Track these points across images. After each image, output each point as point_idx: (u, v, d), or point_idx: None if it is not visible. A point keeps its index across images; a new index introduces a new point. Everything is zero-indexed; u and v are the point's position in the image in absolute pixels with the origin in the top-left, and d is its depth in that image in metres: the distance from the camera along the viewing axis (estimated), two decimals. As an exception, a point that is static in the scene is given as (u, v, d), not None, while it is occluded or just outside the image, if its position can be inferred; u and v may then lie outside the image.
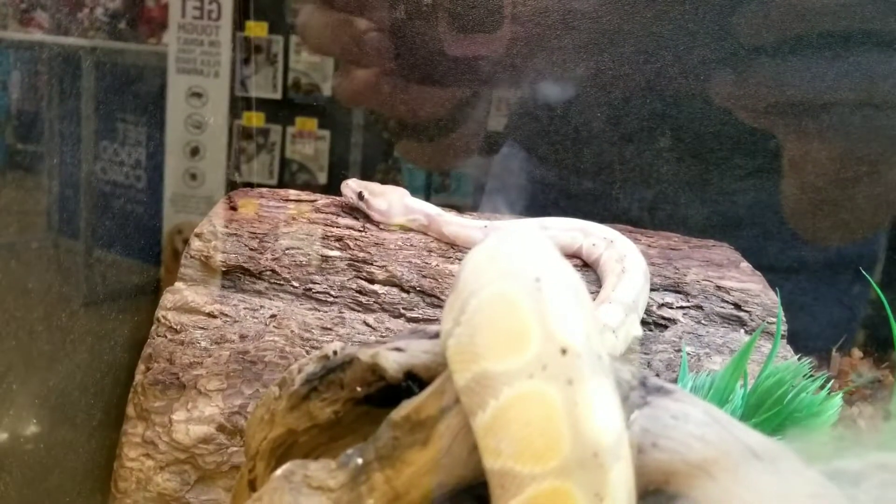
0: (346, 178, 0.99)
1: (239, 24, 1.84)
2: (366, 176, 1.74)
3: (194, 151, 1.82)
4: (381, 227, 0.94)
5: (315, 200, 0.98)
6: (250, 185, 1.67)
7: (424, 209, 0.96)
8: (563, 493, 0.46)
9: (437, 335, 0.62)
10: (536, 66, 1.24)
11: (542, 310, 0.49)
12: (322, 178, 1.98)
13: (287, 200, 0.97)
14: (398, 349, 0.60)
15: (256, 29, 1.89)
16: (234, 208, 0.94)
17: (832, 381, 0.81)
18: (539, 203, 1.32)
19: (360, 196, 0.96)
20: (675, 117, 1.23)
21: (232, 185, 1.70)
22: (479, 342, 0.50)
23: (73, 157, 1.46)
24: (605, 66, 1.21)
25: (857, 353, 1.19)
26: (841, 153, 1.18)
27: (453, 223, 0.94)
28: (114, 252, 1.47)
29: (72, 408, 1.02)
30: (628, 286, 0.84)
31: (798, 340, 0.94)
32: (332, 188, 1.45)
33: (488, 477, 0.49)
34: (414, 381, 0.59)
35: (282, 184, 1.97)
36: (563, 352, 0.48)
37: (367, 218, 0.96)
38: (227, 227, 0.91)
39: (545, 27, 1.19)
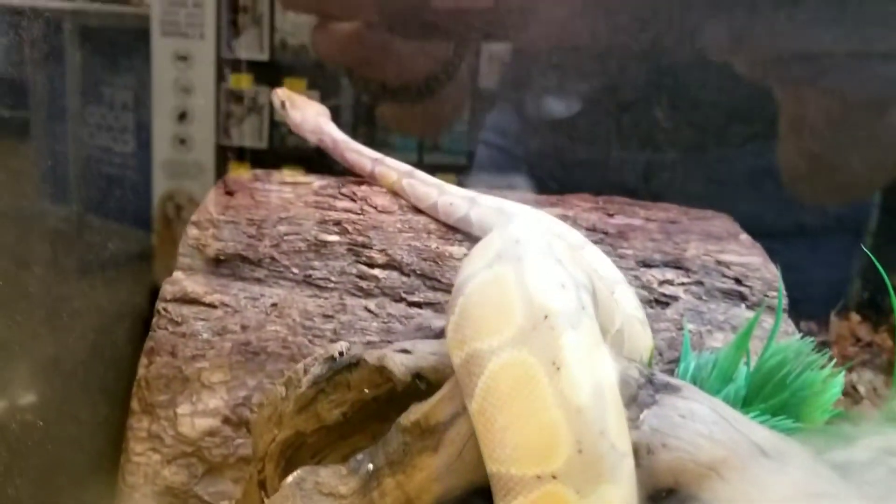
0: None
1: (223, -14, 1.79)
2: (356, 136, 1.72)
3: (182, 116, 1.79)
4: (380, 209, 0.93)
5: (311, 182, 0.96)
6: (240, 149, 1.65)
7: (333, 133, 0.98)
8: (522, 363, 0.48)
9: (442, 332, 0.62)
10: (526, 21, 1.22)
11: (506, 222, 0.57)
12: (313, 139, 1.95)
13: (283, 183, 0.96)
14: (405, 350, 0.60)
15: (240, -11, 1.85)
16: (229, 193, 0.93)
17: (833, 354, 0.82)
18: (530, 172, 1.31)
19: (283, 105, 1.00)
20: (671, 82, 1.21)
21: (221, 150, 1.68)
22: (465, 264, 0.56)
23: (59, 123, 1.44)
24: (599, 18, 1.19)
25: (855, 317, 1.20)
26: (838, 114, 1.17)
27: (352, 150, 0.97)
28: (104, 219, 1.46)
29: (66, 377, 1.02)
30: None
31: (796, 305, 0.95)
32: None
33: (457, 372, 0.52)
34: (420, 381, 0.59)
35: (272, 147, 1.95)
36: (517, 242, 0.54)
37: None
38: (223, 214, 0.90)
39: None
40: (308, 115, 0.99)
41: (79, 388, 1.03)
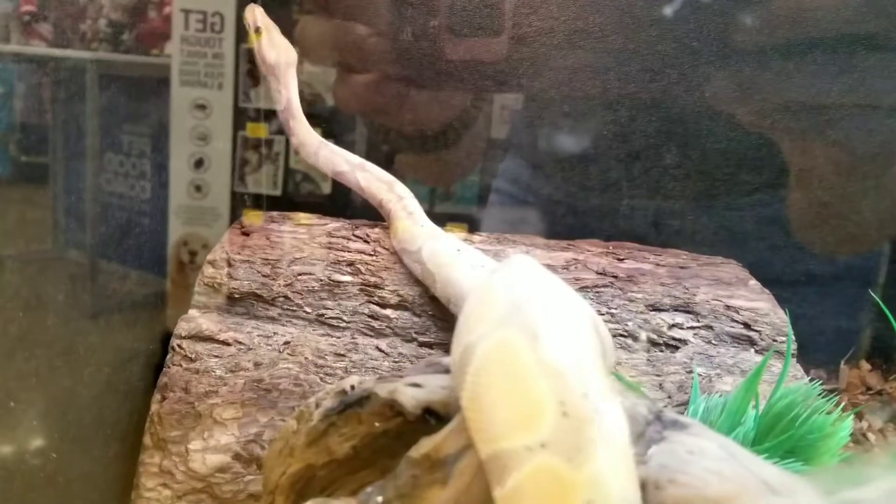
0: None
1: (242, 36, 1.84)
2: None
3: (199, 163, 1.82)
4: (392, 251, 0.94)
5: (325, 224, 0.98)
6: (255, 195, 1.68)
7: (291, 95, 0.94)
8: (505, 340, 0.50)
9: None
10: (538, 71, 1.24)
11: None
12: (326, 188, 1.98)
13: (298, 225, 0.97)
14: (416, 384, 0.60)
15: (259, 40, 1.89)
16: (245, 234, 0.95)
17: (843, 401, 0.82)
18: (541, 219, 1.32)
19: (257, 31, 0.92)
20: (679, 129, 1.23)
21: (236, 196, 1.71)
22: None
23: (78, 169, 1.47)
24: (609, 68, 1.21)
25: (865, 365, 1.20)
26: (847, 166, 1.19)
27: (299, 121, 0.94)
28: (119, 264, 1.48)
29: (77, 421, 1.03)
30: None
31: (806, 353, 0.95)
32: (337, 198, 1.44)
33: (453, 377, 0.54)
34: (430, 415, 0.60)
35: (286, 194, 1.98)
36: (510, 262, 0.57)
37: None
38: (239, 253, 0.91)
39: (547, 30, 1.18)
40: (280, 59, 0.93)
41: (92, 427, 1.04)
